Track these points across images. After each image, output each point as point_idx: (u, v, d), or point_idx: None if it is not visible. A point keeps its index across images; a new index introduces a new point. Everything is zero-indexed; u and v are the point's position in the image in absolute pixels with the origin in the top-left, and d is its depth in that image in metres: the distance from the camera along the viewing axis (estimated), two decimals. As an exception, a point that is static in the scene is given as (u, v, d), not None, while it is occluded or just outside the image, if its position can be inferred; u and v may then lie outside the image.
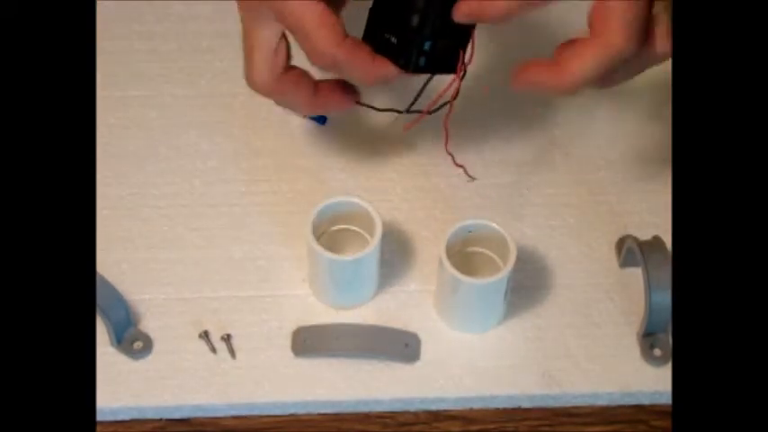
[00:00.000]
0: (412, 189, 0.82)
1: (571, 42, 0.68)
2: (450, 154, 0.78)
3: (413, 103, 0.78)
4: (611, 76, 0.68)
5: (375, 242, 0.73)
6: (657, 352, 0.74)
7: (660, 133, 0.84)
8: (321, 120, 0.84)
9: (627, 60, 0.67)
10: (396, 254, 0.79)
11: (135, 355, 0.74)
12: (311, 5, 0.68)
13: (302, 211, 0.75)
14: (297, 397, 0.73)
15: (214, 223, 0.80)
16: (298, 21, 0.68)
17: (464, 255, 0.75)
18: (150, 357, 0.74)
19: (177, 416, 0.73)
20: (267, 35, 0.71)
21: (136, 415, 0.73)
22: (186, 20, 0.90)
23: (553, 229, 0.80)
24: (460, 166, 0.80)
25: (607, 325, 0.76)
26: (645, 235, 0.76)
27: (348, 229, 0.77)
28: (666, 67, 0.63)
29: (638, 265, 0.74)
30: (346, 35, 0.69)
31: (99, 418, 0.72)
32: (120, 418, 0.73)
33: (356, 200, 0.75)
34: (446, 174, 0.82)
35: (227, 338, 0.75)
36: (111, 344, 0.74)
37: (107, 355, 0.74)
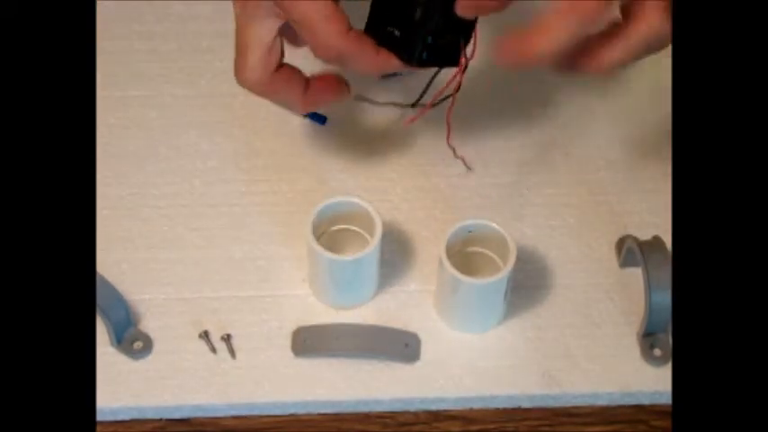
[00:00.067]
0: (412, 189, 0.82)
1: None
2: (451, 147, 0.78)
3: (419, 99, 0.78)
4: (591, 48, 0.68)
5: (375, 242, 0.73)
6: (657, 352, 0.74)
7: (660, 133, 0.84)
8: (321, 120, 0.84)
9: (598, 22, 0.67)
10: (396, 254, 0.79)
11: (135, 355, 0.74)
12: None
13: (302, 211, 0.75)
14: (297, 397, 0.73)
15: (214, 223, 0.80)
16: (303, 13, 0.68)
17: (464, 255, 0.75)
18: (150, 357, 0.74)
19: (177, 416, 0.73)
20: (262, 33, 0.71)
21: (136, 415, 0.73)
22: (186, 20, 0.90)
23: (553, 229, 0.80)
24: (460, 158, 0.80)
25: (607, 325, 0.76)
26: (645, 235, 0.76)
27: (348, 229, 0.77)
28: (666, 66, 0.63)
29: (638, 265, 0.74)
30: (350, 27, 0.69)
31: (99, 418, 0.72)
32: (120, 418, 0.73)
33: (356, 200, 0.75)
34: (446, 174, 0.82)
35: (227, 338, 0.75)
36: (111, 344, 0.74)
37: (107, 355, 0.74)
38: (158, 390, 0.73)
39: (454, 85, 0.73)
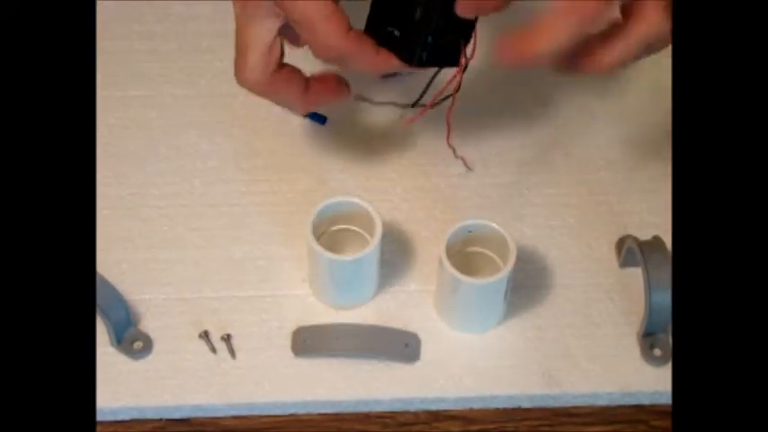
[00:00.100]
0: (412, 189, 0.82)
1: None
2: (451, 147, 0.78)
3: (419, 99, 0.78)
4: (592, 48, 0.68)
5: (375, 242, 0.73)
6: (657, 352, 0.74)
7: (660, 133, 0.84)
8: (321, 120, 0.84)
9: (598, 22, 0.67)
10: (396, 254, 0.79)
11: (135, 355, 0.74)
12: None
13: (302, 211, 0.75)
14: (297, 397, 0.73)
15: (214, 223, 0.80)
16: (303, 13, 0.68)
17: (464, 255, 0.75)
18: (150, 357, 0.74)
19: (177, 416, 0.73)
20: (262, 33, 0.71)
21: (136, 415, 0.73)
22: (186, 20, 0.90)
23: (553, 229, 0.80)
24: (460, 158, 0.80)
25: (607, 325, 0.76)
26: (645, 235, 0.76)
27: (348, 229, 0.77)
28: (666, 66, 0.63)
29: (638, 265, 0.74)
30: (350, 27, 0.69)
31: (99, 418, 0.72)
32: (120, 418, 0.73)
33: (356, 200, 0.75)
34: (446, 174, 0.82)
35: (227, 338, 0.75)
36: (111, 344, 0.74)
37: (107, 355, 0.74)
38: (158, 390, 0.73)
39: (454, 85, 0.73)
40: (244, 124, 0.84)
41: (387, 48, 0.71)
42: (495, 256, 0.75)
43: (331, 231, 0.77)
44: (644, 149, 0.84)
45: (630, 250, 0.76)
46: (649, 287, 0.73)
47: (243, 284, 0.77)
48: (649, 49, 0.68)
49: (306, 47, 0.71)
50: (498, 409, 0.74)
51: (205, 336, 0.75)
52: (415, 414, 0.74)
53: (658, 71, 0.84)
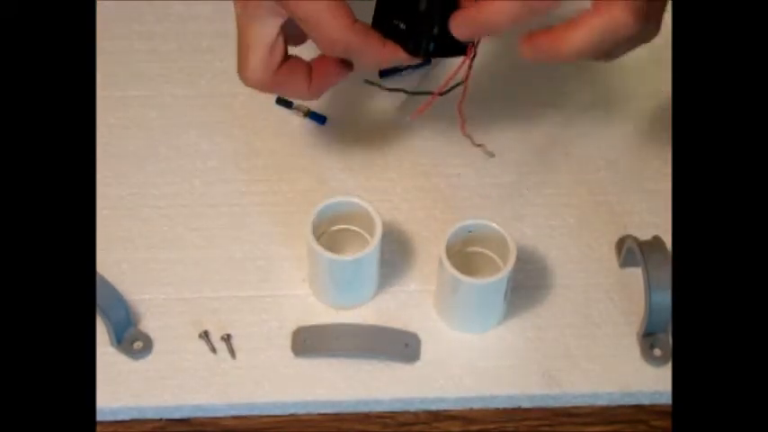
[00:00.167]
0: (412, 189, 0.82)
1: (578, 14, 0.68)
2: (467, 136, 0.78)
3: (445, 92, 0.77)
4: (613, 50, 0.68)
5: (375, 242, 0.73)
6: (657, 352, 0.74)
7: (660, 133, 0.84)
8: (321, 120, 0.84)
9: (630, 37, 0.66)
10: (396, 254, 0.79)
11: (135, 355, 0.74)
12: None
13: (302, 211, 0.75)
14: (297, 397, 0.73)
15: (214, 223, 0.80)
16: (308, 10, 0.68)
17: (464, 255, 0.75)
18: (150, 357, 0.74)
19: (177, 416, 0.73)
20: (264, 32, 0.71)
21: (136, 415, 0.73)
22: (186, 20, 0.90)
23: (553, 229, 0.80)
24: (479, 146, 0.80)
25: (607, 325, 0.76)
26: (645, 235, 0.75)
27: (348, 229, 0.77)
28: (667, 67, 0.63)
29: (638, 265, 0.74)
30: (356, 20, 0.69)
31: (99, 418, 0.72)
32: (120, 418, 0.73)
33: (356, 200, 0.75)
34: (446, 174, 0.82)
35: (227, 338, 0.75)
36: (111, 344, 0.74)
37: (107, 355, 0.74)
38: (158, 390, 0.73)
39: (462, 73, 0.73)
40: (244, 124, 0.84)
41: (394, 40, 0.71)
42: (495, 256, 0.75)
43: (331, 231, 0.76)
44: (644, 149, 0.84)
45: (630, 250, 0.76)
46: (649, 287, 0.73)
47: (243, 284, 0.77)
48: (612, 43, 0.67)
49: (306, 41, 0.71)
50: (498, 409, 0.74)
51: (205, 336, 0.75)
52: (415, 414, 0.74)
53: (658, 71, 0.84)
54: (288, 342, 0.75)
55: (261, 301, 0.76)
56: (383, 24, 0.72)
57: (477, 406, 0.74)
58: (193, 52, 0.88)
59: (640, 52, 0.70)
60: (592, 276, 0.78)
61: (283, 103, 0.85)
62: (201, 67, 0.87)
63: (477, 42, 0.72)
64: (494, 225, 0.74)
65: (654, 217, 0.80)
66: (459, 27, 0.69)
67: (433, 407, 0.74)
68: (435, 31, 0.70)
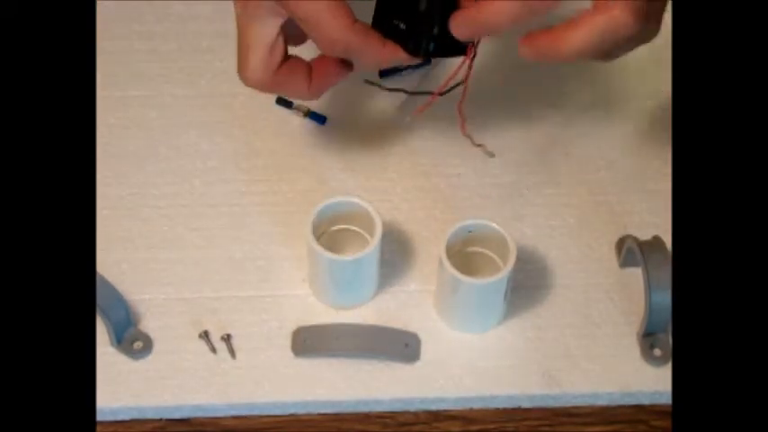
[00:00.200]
0: (412, 189, 0.82)
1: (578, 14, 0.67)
2: (467, 136, 0.78)
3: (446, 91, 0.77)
4: (613, 50, 0.68)
5: (375, 242, 0.73)
6: (657, 352, 0.74)
7: (660, 133, 0.84)
8: (321, 120, 0.84)
9: (630, 37, 0.66)
10: (396, 254, 0.79)
11: (135, 355, 0.74)
12: None
13: (302, 211, 0.75)
14: (297, 397, 0.73)
15: (214, 223, 0.80)
16: (308, 9, 0.68)
17: (464, 255, 0.75)
18: (150, 357, 0.74)
19: (177, 416, 0.73)
20: (264, 33, 0.71)
21: (136, 415, 0.73)
22: (186, 20, 0.90)
23: (553, 229, 0.80)
24: (479, 146, 0.80)
25: (607, 325, 0.76)
26: (645, 235, 0.75)
27: (348, 229, 0.77)
28: (667, 67, 0.63)
29: (638, 265, 0.74)
30: (356, 20, 0.69)
31: (99, 418, 0.72)
32: (120, 418, 0.73)
33: (356, 200, 0.75)
34: (446, 174, 0.82)
35: (227, 338, 0.75)
36: (111, 344, 0.74)
37: (107, 355, 0.74)
38: (158, 390, 0.73)
39: (462, 73, 0.73)
40: (244, 124, 0.84)
41: (393, 40, 0.71)
42: (495, 256, 0.75)
43: (331, 231, 0.76)
44: (644, 149, 0.84)
45: (630, 250, 0.76)
46: (649, 287, 0.73)
47: (243, 284, 0.77)
48: (612, 44, 0.67)
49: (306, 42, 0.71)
50: (498, 409, 0.74)
51: (205, 336, 0.75)
52: (415, 414, 0.74)
53: (659, 71, 0.84)
54: (288, 342, 0.75)
55: (261, 301, 0.76)
56: (383, 24, 0.72)
57: (477, 406, 0.74)
58: (193, 52, 0.88)
59: (640, 52, 0.70)
60: (592, 276, 0.78)
61: (283, 103, 0.85)
62: (201, 67, 0.87)
63: (477, 42, 0.72)
64: (494, 225, 0.74)
65: (654, 217, 0.80)
66: (459, 27, 0.69)
67: (433, 407, 0.74)
68: (435, 31, 0.70)
